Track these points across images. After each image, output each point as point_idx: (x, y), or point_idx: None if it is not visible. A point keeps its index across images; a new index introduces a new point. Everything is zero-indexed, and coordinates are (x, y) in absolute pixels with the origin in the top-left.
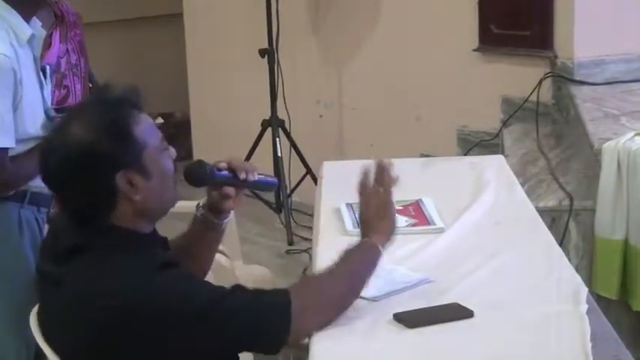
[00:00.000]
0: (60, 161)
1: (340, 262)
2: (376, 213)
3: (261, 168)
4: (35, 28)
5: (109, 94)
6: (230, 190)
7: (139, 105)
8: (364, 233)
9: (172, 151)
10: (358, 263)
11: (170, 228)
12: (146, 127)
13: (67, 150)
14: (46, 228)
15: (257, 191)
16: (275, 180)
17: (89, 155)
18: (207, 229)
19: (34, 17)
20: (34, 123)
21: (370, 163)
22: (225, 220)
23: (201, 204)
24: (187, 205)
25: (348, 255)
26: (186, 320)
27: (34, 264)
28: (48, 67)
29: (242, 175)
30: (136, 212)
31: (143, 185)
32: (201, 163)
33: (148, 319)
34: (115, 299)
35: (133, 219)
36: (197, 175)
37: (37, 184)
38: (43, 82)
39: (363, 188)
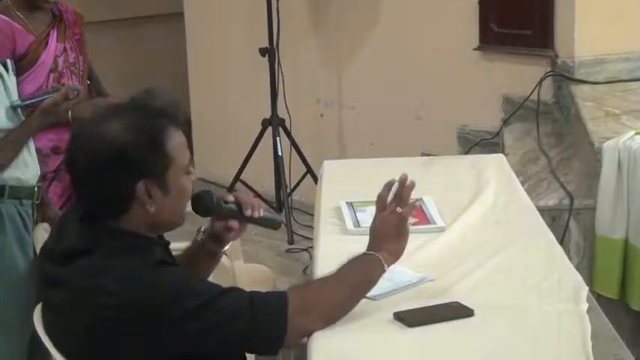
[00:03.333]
0: (90, 153)
1: (343, 269)
2: (390, 232)
3: (261, 167)
4: None
5: (152, 101)
6: (235, 223)
7: (178, 120)
8: (372, 247)
9: (194, 174)
10: (360, 275)
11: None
12: (178, 145)
13: (101, 144)
14: (32, 223)
15: (257, 193)
16: (279, 218)
17: (120, 155)
18: (204, 254)
19: None
20: None
21: (393, 179)
22: (224, 249)
23: (202, 229)
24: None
25: (352, 264)
26: (182, 318)
27: (22, 260)
28: (9, 61)
29: (247, 212)
30: (146, 222)
31: (160, 199)
32: (209, 193)
33: (144, 317)
34: (112, 297)
35: (140, 226)
36: (205, 204)
37: (14, 176)
38: (4, 74)
39: (382, 202)
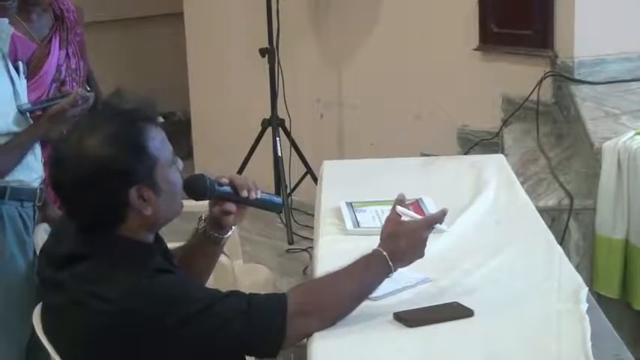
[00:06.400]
0: (73, 174)
1: (349, 268)
2: (412, 244)
3: (261, 167)
4: (2, 23)
5: (124, 105)
6: (231, 206)
7: (154, 118)
8: (385, 248)
9: (180, 164)
10: (366, 276)
11: (171, 227)
12: (159, 142)
13: (81, 163)
14: (33, 224)
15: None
16: (279, 200)
17: (104, 171)
18: (207, 242)
19: None
20: (3, 117)
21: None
22: (226, 235)
23: (203, 217)
24: (187, 205)
25: (359, 263)
26: (181, 324)
27: (21, 261)
28: (21, 64)
29: (243, 193)
30: (144, 225)
31: (154, 200)
32: (201, 177)
33: (143, 324)
34: (110, 304)
35: (139, 230)
36: (197, 187)
37: (17, 179)
38: (15, 77)
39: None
